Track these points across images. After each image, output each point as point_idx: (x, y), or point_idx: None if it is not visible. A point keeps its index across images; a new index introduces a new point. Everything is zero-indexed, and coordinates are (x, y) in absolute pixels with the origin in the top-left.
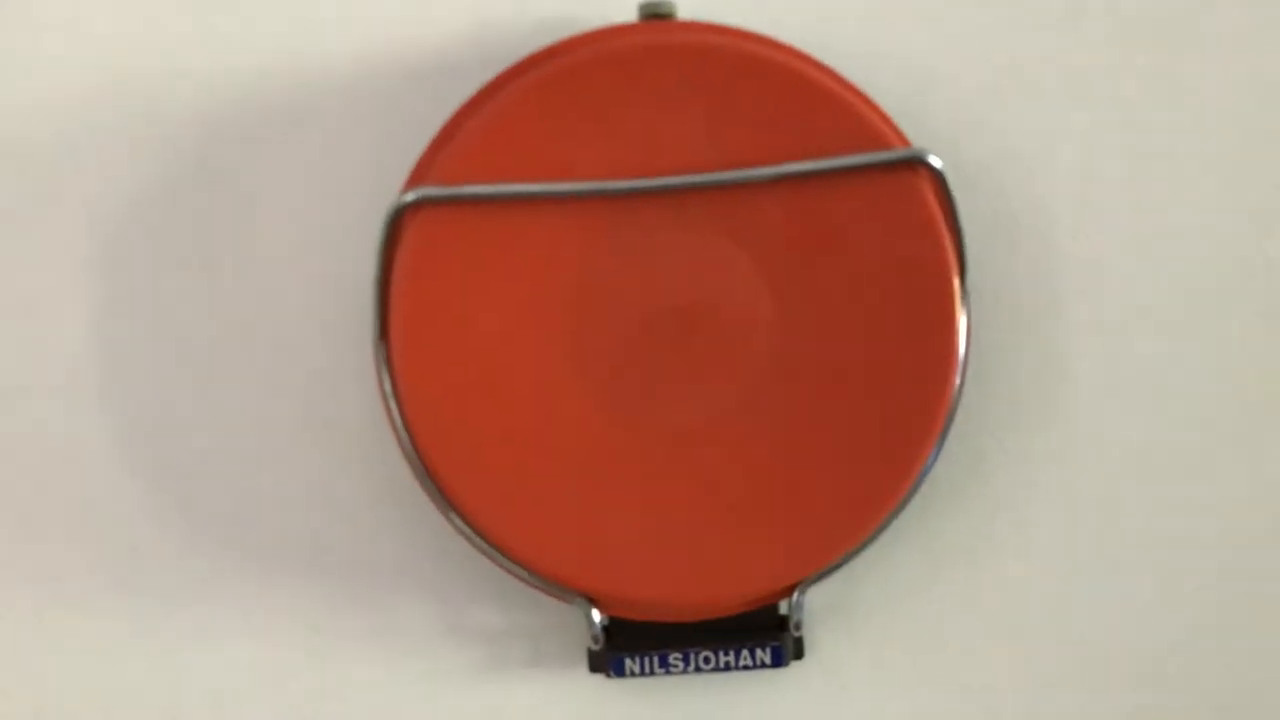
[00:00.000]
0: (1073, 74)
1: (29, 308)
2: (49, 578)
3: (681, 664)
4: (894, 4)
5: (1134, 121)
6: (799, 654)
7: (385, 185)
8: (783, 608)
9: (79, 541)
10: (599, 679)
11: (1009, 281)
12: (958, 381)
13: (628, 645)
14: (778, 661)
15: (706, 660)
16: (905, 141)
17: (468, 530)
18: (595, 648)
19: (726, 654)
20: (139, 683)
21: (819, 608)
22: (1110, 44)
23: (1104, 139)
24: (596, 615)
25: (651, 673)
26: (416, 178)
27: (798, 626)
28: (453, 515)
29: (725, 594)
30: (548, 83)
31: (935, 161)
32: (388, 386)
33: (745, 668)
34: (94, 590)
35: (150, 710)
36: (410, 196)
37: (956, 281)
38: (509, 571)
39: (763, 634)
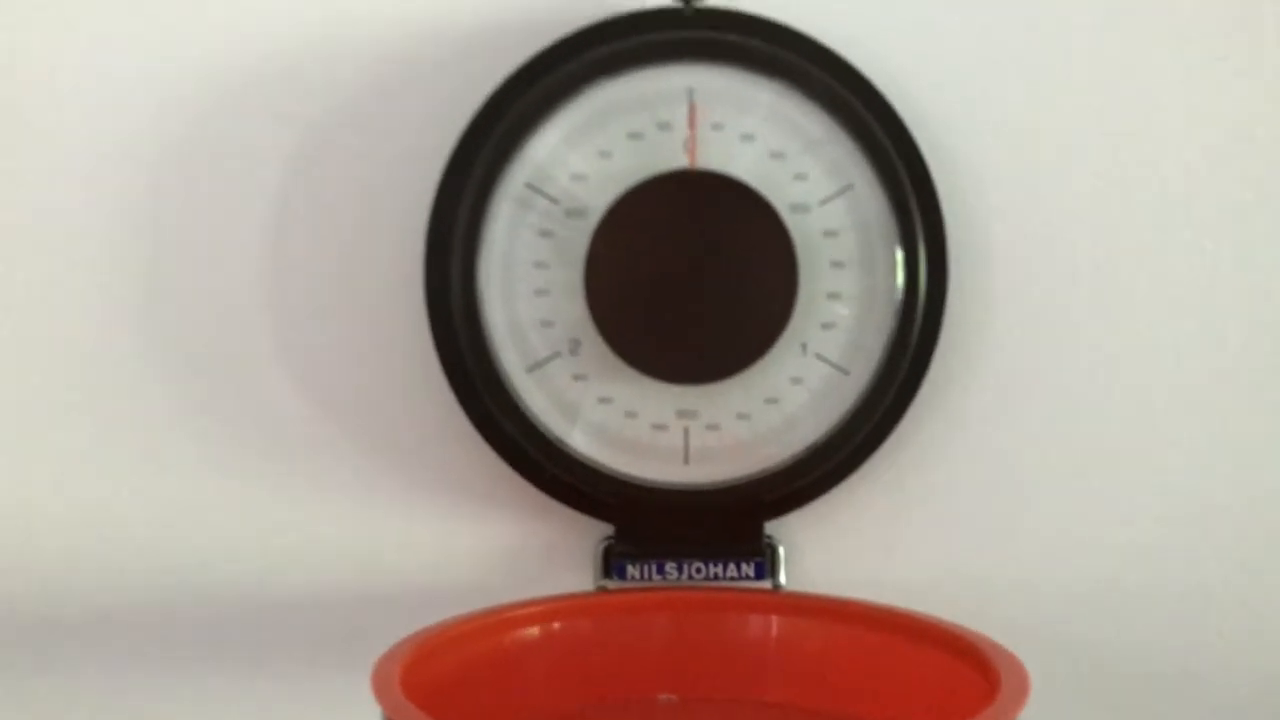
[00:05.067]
0: None
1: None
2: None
3: (676, 573)
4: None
5: None
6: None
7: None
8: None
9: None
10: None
11: None
12: None
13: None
14: (760, 575)
15: (698, 570)
16: None
17: None
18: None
19: (716, 566)
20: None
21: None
22: None
23: None
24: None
25: (650, 578)
26: None
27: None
28: None
29: None
30: None
31: None
32: None
33: (732, 579)
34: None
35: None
36: None
37: None
38: None
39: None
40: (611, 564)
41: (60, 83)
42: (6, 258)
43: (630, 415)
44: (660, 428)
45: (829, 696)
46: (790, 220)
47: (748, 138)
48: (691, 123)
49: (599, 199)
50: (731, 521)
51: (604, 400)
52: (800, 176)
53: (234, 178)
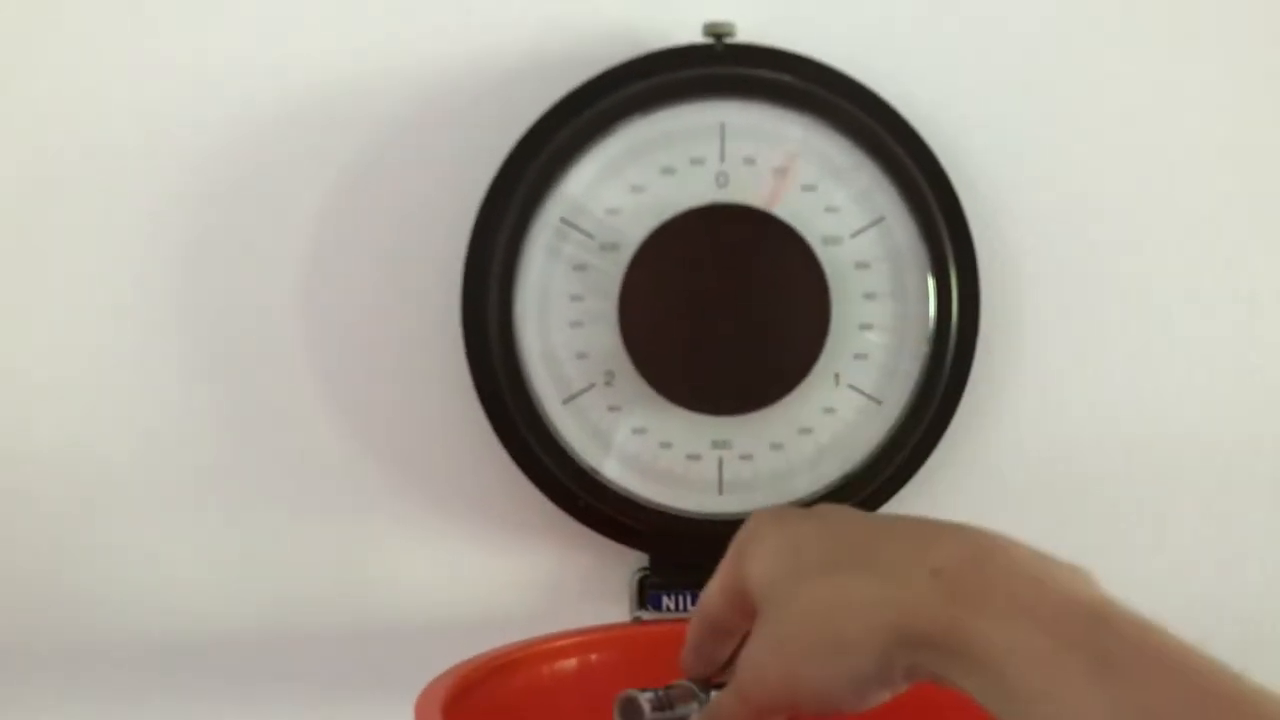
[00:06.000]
0: None
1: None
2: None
3: None
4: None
5: None
6: None
7: (463, 190)
8: None
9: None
10: None
11: None
12: None
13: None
14: None
15: None
16: None
17: None
18: None
19: None
20: None
21: None
22: None
23: None
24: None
25: (685, 609)
26: None
27: None
28: None
29: None
30: None
31: None
32: None
33: None
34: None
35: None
36: None
37: None
38: None
39: None
40: (647, 595)
41: (107, 125)
42: (51, 301)
43: (665, 446)
44: (694, 458)
45: None
46: (822, 252)
47: (779, 171)
48: (723, 157)
49: (633, 233)
50: None
51: (639, 431)
52: (831, 209)
53: (275, 213)
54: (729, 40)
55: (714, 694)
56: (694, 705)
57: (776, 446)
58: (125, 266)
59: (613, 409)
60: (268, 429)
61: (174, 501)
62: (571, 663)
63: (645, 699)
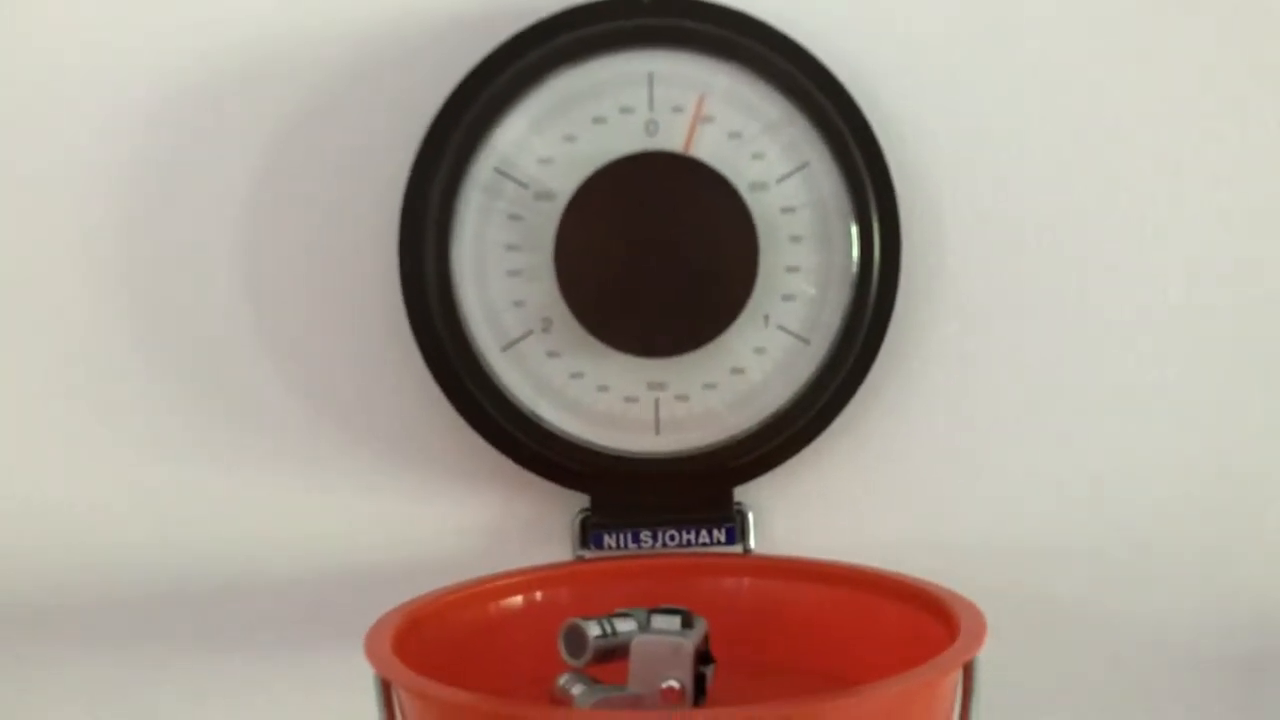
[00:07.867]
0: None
1: None
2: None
3: (650, 540)
4: None
5: None
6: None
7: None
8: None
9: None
10: None
11: None
12: None
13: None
14: (731, 540)
15: (672, 538)
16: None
17: None
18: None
19: (688, 533)
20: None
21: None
22: None
23: None
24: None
25: (626, 547)
26: None
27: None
28: None
29: None
30: None
31: None
32: None
33: (704, 545)
34: None
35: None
36: None
37: None
38: None
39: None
40: (589, 535)
41: (39, 77)
42: None
43: (602, 389)
44: (631, 400)
45: (800, 652)
46: (750, 198)
47: (706, 119)
48: (652, 105)
49: (566, 182)
50: (702, 488)
51: (576, 375)
52: (758, 156)
53: (210, 170)
54: None
55: (656, 618)
56: (636, 630)
57: (710, 386)
58: (61, 218)
59: (551, 355)
60: (207, 381)
61: (110, 451)
62: (517, 599)
63: (589, 625)
